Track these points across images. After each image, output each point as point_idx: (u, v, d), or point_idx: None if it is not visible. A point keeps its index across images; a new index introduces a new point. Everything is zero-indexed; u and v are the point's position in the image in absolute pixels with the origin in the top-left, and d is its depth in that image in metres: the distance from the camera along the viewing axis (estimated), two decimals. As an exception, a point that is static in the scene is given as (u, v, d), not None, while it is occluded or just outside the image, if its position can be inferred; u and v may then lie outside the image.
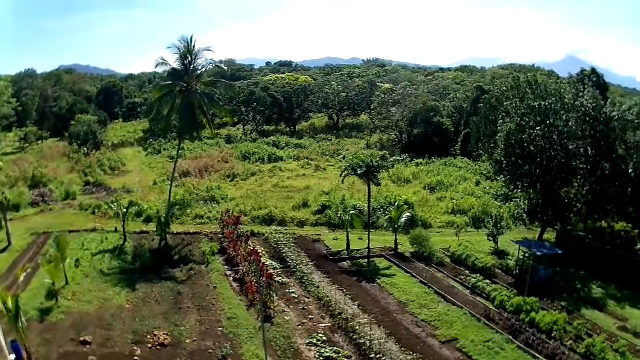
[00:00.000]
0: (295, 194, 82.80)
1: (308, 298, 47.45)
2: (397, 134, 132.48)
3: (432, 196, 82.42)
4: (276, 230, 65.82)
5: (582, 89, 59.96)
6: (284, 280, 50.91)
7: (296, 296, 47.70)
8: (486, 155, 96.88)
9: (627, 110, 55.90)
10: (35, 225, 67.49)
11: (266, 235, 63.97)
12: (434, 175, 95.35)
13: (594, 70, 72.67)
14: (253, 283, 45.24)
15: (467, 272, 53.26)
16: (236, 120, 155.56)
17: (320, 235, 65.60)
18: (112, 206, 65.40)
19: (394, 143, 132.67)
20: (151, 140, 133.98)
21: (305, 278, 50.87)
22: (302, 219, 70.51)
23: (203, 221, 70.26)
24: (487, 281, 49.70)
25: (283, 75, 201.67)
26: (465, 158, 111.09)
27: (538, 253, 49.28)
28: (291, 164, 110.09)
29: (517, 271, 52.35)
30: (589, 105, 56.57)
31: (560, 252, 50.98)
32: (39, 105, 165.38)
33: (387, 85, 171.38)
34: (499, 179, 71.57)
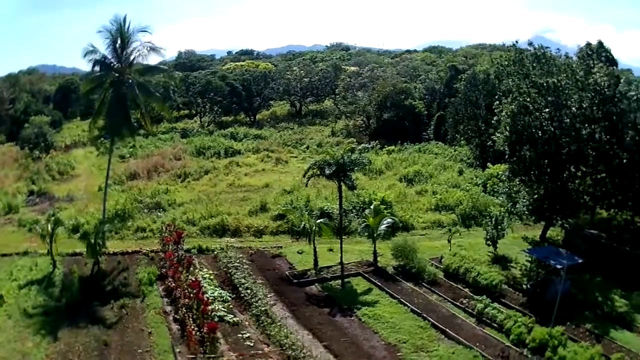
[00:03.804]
0: (252, 194, 72.50)
1: (267, 345, 36.13)
2: (364, 119, 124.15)
3: (410, 190, 72.75)
4: (228, 244, 54.77)
5: (592, 65, 52.18)
6: (235, 319, 39.72)
7: (252, 344, 36.41)
8: (464, 139, 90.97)
9: None
10: (-28, 248, 56.50)
11: (216, 252, 52.95)
12: (410, 164, 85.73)
13: (601, 44, 63.12)
14: (194, 331, 34.67)
15: (467, 290, 43.24)
16: (193, 113, 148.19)
17: (281, 247, 55.12)
18: (37, 226, 53.69)
19: (361, 129, 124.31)
20: (102, 139, 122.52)
21: (264, 315, 39.54)
22: (259, 227, 59.96)
23: (145, 235, 59.16)
24: (496, 304, 39.78)
25: (243, 63, 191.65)
26: (440, 142, 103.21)
27: (558, 266, 39.34)
28: (249, 157, 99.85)
29: (528, 286, 42.72)
30: (602, 83, 48.64)
31: (580, 260, 40.89)
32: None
33: (352, 68, 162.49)
34: (496, 169, 63.54)
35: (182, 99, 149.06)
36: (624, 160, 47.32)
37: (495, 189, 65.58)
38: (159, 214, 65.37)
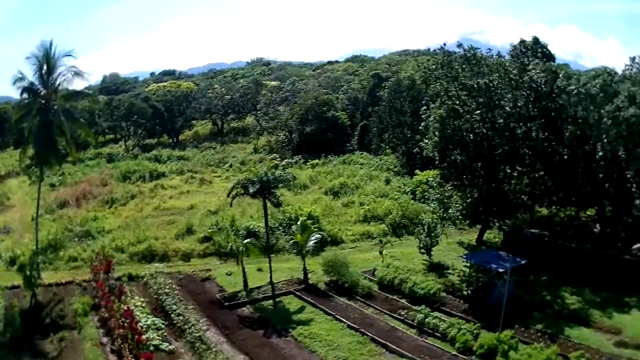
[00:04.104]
0: (178, 217, 70.56)
1: (205, 373, 34.33)
2: (287, 133, 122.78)
3: (336, 202, 72.09)
4: (157, 270, 52.77)
5: (527, 62, 53.13)
6: (171, 347, 37.88)
7: (188, 372, 34.50)
8: (389, 147, 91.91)
9: (587, 84, 47.75)
10: None
11: (146, 278, 51.01)
12: (335, 176, 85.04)
13: (536, 40, 63.13)
14: (131, 361, 32.96)
15: (404, 301, 42.30)
16: (118, 137, 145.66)
17: (210, 270, 53.52)
18: None
19: (283, 144, 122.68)
20: (33, 167, 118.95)
21: (198, 342, 37.70)
22: (187, 251, 58.47)
23: (77, 264, 57.21)
24: (437, 313, 39.09)
25: (165, 84, 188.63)
26: (365, 152, 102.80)
27: (500, 269, 38.84)
28: (174, 179, 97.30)
29: (469, 291, 42.11)
30: (539, 79, 49.12)
31: (523, 261, 40.64)
32: None
33: (273, 83, 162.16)
34: (425, 176, 63.36)
35: (107, 123, 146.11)
36: (565, 157, 47.44)
37: (426, 196, 64.86)
38: (88, 242, 63.40)
